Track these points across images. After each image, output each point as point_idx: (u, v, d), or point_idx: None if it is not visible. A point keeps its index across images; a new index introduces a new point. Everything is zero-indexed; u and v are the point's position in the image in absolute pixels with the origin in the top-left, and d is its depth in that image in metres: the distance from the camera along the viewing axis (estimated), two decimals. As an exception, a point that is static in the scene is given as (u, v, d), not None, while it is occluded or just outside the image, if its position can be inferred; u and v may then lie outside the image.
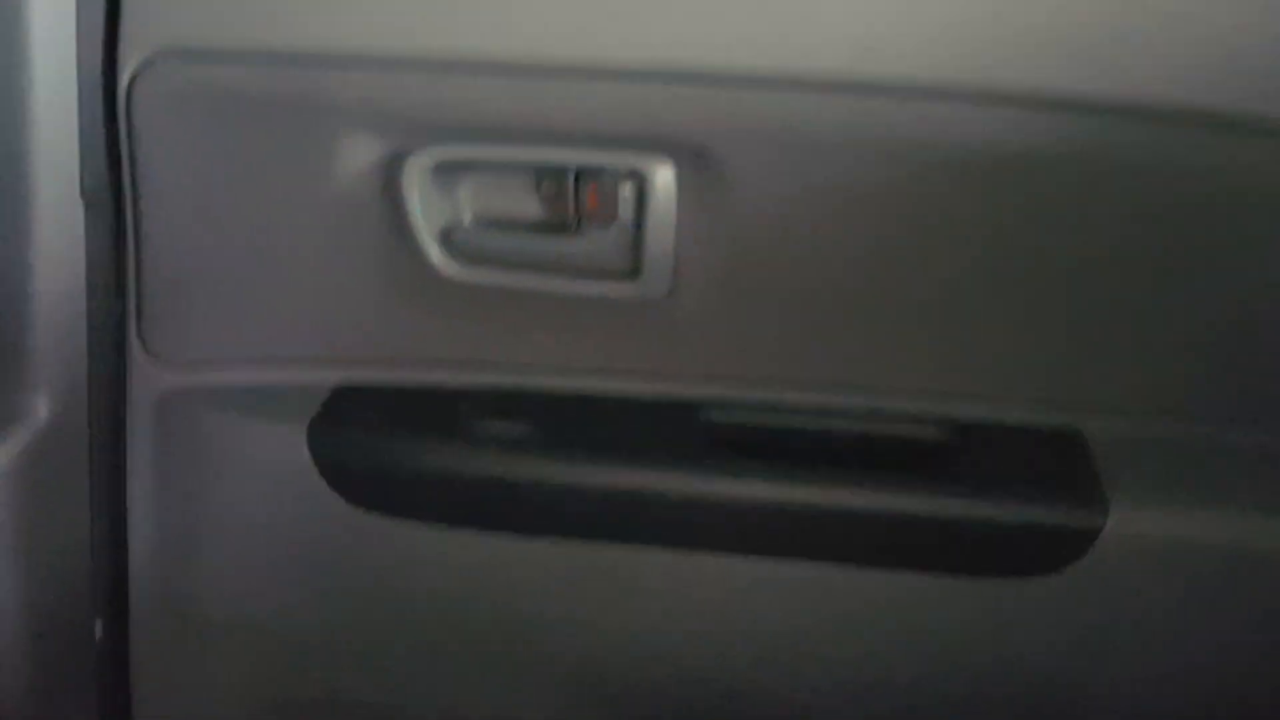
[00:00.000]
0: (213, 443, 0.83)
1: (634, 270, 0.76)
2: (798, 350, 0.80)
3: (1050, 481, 0.79)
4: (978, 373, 0.80)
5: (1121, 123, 0.69)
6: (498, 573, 0.82)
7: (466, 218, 0.78)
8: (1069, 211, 0.74)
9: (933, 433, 0.82)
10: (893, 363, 0.80)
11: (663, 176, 0.73)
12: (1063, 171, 0.72)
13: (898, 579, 0.79)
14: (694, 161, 0.73)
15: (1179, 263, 0.75)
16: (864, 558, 0.79)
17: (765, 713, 0.87)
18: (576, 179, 0.76)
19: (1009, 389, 0.80)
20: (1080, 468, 0.79)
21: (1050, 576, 0.77)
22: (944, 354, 0.79)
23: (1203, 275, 0.75)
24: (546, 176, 0.77)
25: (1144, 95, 0.68)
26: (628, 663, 0.85)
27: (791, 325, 0.79)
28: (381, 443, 0.82)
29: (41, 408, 0.78)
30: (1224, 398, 0.80)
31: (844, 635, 0.82)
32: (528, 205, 0.78)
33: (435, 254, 0.76)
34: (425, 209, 0.75)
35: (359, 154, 0.74)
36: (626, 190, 0.74)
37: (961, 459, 0.80)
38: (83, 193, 0.76)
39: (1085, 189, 0.73)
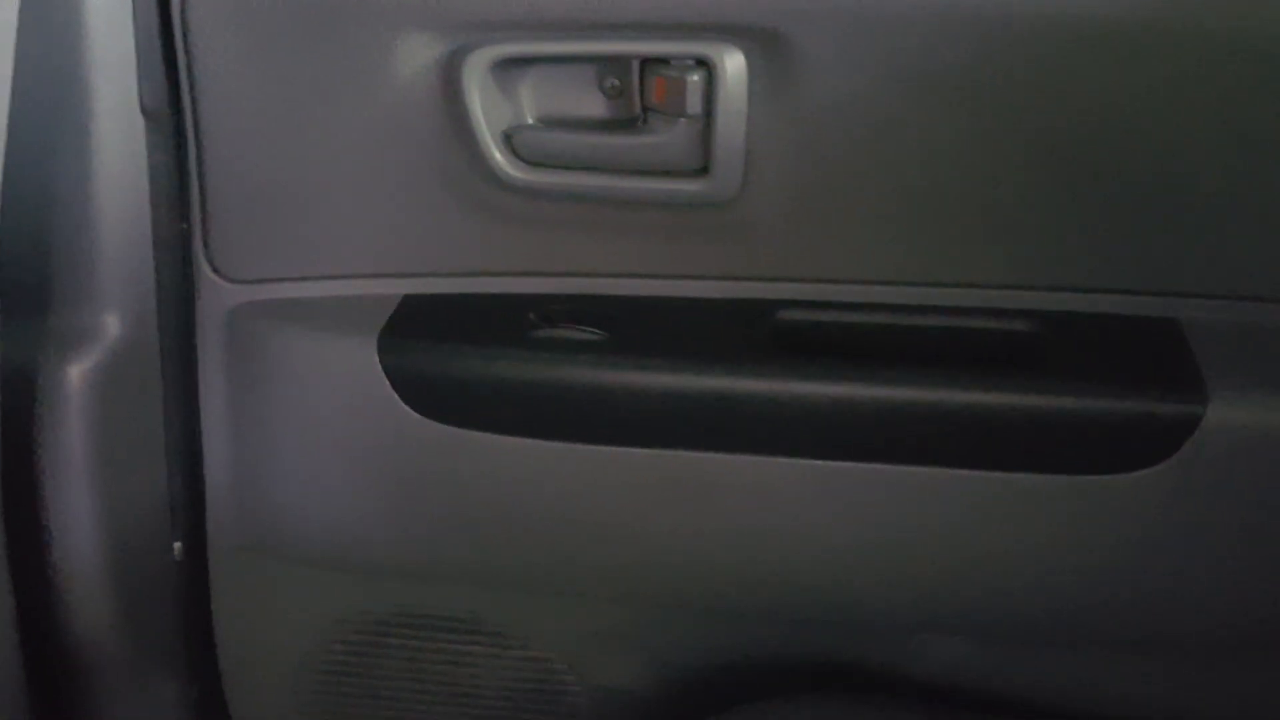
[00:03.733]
0: (282, 356, 0.83)
1: (703, 167, 0.74)
2: (877, 246, 0.77)
3: (1145, 371, 0.75)
4: (1066, 262, 0.76)
5: None
6: (569, 481, 0.81)
7: (529, 118, 0.76)
8: (1160, 86, 0.70)
9: (1020, 326, 0.78)
10: (978, 255, 0.77)
11: (733, 65, 0.70)
12: (1155, 44, 0.68)
13: (984, 478, 0.77)
14: (766, 48, 0.70)
15: (1271, 138, 0.71)
16: (948, 457, 0.76)
17: (844, 618, 0.85)
18: (641, 72, 0.73)
19: (1099, 278, 0.77)
20: (1177, 356, 0.75)
21: (1147, 470, 0.74)
22: (1031, 243, 0.76)
23: None
24: (610, 71, 0.74)
25: None
26: (702, 570, 0.83)
27: (870, 220, 0.76)
28: (450, 352, 0.80)
29: (112, 325, 0.78)
30: None
31: (929, 537, 0.80)
32: (592, 103, 0.76)
33: (497, 156, 0.74)
34: (486, 109, 0.73)
35: (417, 53, 0.72)
36: (695, 81, 0.71)
37: (1051, 352, 0.77)
38: (142, 106, 0.75)
39: (1175, 62, 0.69)
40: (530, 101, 0.76)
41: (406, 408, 0.80)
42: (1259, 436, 0.73)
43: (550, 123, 0.76)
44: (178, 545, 0.89)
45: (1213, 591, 0.78)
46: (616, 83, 0.75)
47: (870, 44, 0.69)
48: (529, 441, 0.80)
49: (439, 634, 0.92)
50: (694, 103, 0.72)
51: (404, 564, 0.88)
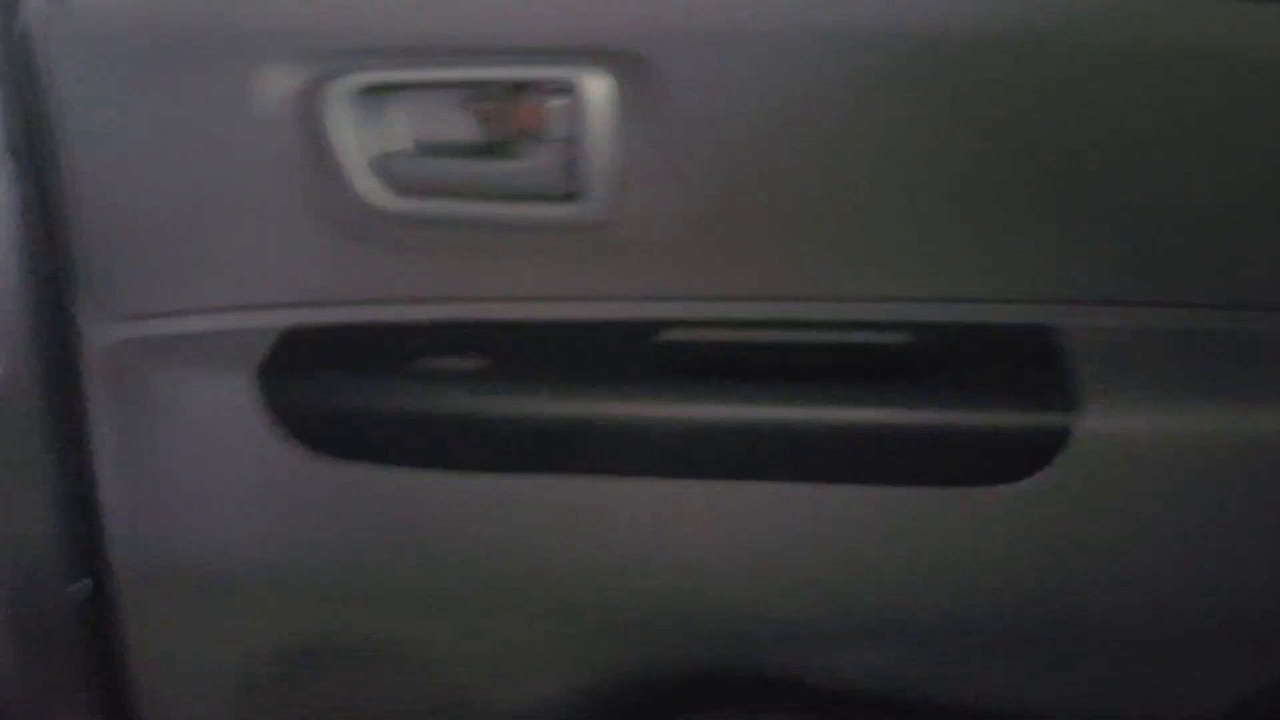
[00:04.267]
0: (168, 395, 0.81)
1: (575, 191, 0.72)
2: (754, 263, 0.76)
3: (1019, 383, 0.74)
4: (943, 273, 0.75)
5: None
6: (461, 509, 0.80)
7: (403, 144, 0.74)
8: (1028, 94, 0.69)
9: (898, 339, 0.77)
10: (855, 269, 0.76)
11: (598, 88, 0.69)
12: (1020, 50, 0.67)
13: (860, 493, 0.76)
14: (631, 70, 0.69)
15: (1143, 140, 0.70)
16: (824, 474, 0.75)
17: (741, 634, 0.84)
18: (510, 96, 0.72)
19: (975, 288, 0.76)
20: (1051, 366, 0.74)
21: (1020, 483, 0.73)
22: (907, 255, 0.75)
23: (1169, 150, 0.70)
24: (479, 96, 0.73)
25: None
26: (600, 593, 0.83)
27: (746, 237, 0.75)
28: (334, 385, 0.79)
29: None
30: (1197, 281, 0.74)
31: (809, 553, 0.79)
32: (468, 127, 0.75)
33: (366, 185, 0.73)
34: (352, 138, 0.72)
35: (278, 83, 0.71)
36: (558, 106, 0.70)
37: (927, 365, 0.76)
38: (3, 144, 0.74)
39: (1045, 66, 0.68)
40: (404, 127, 0.74)
41: (291, 443, 0.79)
42: (1132, 446, 0.73)
43: (424, 149, 0.75)
44: (81, 584, 0.88)
45: (1098, 602, 0.78)
46: (489, 106, 0.73)
47: (734, 63, 0.68)
48: (416, 473, 0.79)
49: (356, 662, 0.91)
50: (560, 127, 0.71)
51: (307, 596, 0.87)
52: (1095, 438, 0.71)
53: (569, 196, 0.73)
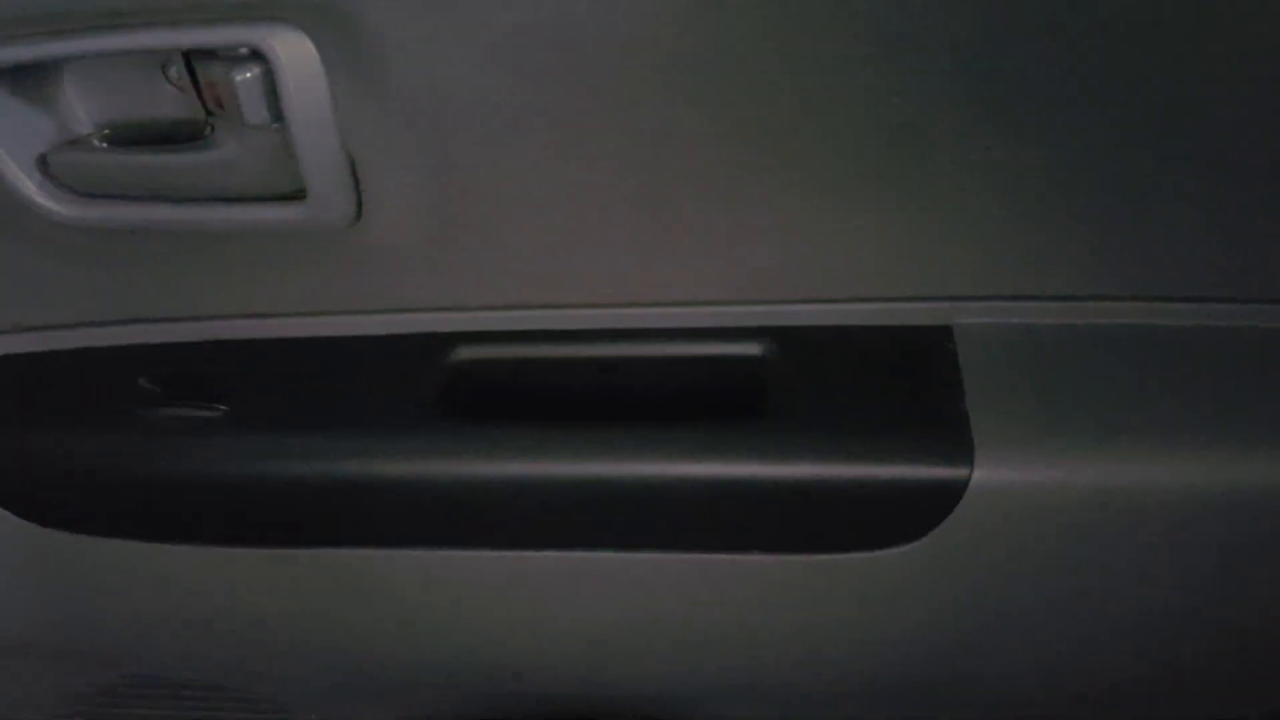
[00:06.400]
0: None
1: (298, 188, 0.55)
2: (531, 264, 0.58)
3: (901, 420, 0.57)
4: (796, 268, 0.57)
5: None
6: (193, 584, 0.65)
7: (83, 131, 0.57)
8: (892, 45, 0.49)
9: (750, 351, 0.60)
10: (686, 266, 0.58)
11: (296, 53, 0.51)
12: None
13: (711, 561, 0.60)
14: (333, 27, 0.50)
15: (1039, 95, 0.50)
16: (660, 540, 0.60)
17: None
18: (192, 69, 0.54)
19: (844, 282, 0.58)
20: (939, 396, 0.56)
21: (907, 545, 0.57)
22: (749, 246, 0.56)
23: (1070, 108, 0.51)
24: (169, 69, 0.55)
25: None
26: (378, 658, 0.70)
27: (516, 235, 0.57)
28: (52, 447, 0.63)
29: None
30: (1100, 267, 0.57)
31: (666, 627, 0.64)
32: (163, 103, 0.57)
33: (31, 188, 0.56)
34: (5, 131, 0.55)
35: None
36: (247, 80, 0.52)
37: (783, 396, 0.59)
38: None
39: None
40: (80, 111, 0.57)
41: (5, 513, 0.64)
42: (1027, 495, 0.56)
43: (107, 138, 0.57)
44: None
45: (997, 671, 0.63)
46: (179, 77, 0.55)
47: (453, 17, 0.49)
48: (153, 546, 0.64)
49: (184, 701, 0.80)
50: (255, 107, 0.53)
51: (71, 657, 0.74)
52: (989, 491, 0.54)
53: (293, 195, 0.55)
